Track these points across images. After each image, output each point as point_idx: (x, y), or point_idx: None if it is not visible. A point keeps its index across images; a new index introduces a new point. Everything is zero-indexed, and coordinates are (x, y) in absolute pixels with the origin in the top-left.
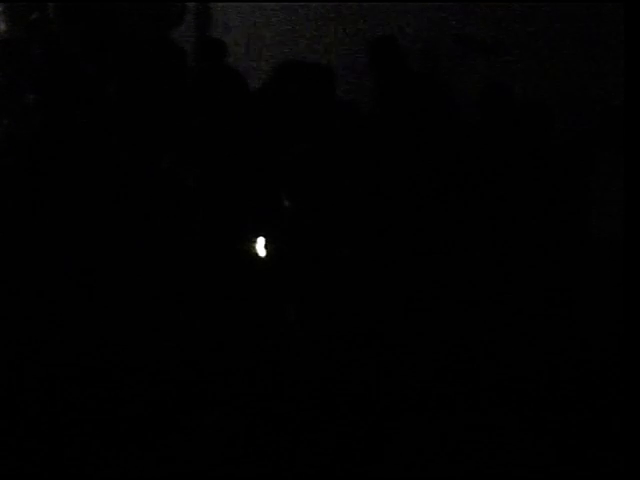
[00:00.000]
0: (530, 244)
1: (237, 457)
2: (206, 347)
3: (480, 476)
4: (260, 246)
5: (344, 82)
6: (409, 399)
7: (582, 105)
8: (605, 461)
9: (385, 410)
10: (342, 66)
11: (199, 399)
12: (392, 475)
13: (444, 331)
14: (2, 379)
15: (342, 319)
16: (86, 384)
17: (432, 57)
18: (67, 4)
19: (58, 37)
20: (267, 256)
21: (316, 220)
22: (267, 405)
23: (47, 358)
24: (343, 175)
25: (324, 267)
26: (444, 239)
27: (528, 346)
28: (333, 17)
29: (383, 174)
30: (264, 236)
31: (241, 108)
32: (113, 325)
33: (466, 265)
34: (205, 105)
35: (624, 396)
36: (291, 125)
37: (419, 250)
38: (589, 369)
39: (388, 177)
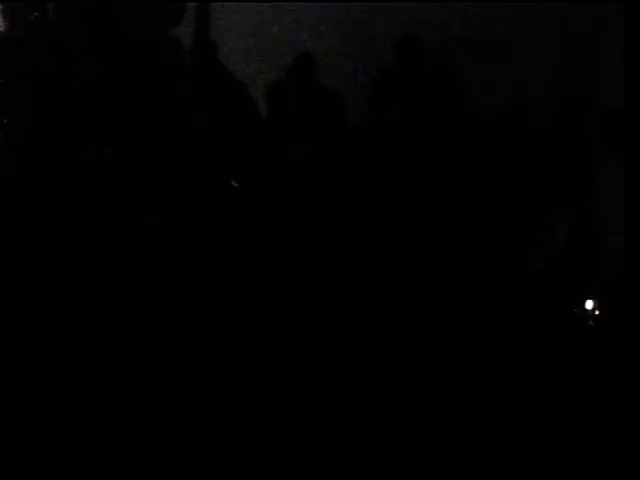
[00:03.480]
0: (531, 243)
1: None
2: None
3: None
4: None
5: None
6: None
7: (581, 105)
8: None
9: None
10: (343, 67)
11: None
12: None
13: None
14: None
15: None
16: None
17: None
18: (67, 3)
19: (58, 37)
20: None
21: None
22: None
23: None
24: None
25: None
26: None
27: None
28: (336, 20)
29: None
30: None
31: (236, 108)
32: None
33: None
34: (200, 104)
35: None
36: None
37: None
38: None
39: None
